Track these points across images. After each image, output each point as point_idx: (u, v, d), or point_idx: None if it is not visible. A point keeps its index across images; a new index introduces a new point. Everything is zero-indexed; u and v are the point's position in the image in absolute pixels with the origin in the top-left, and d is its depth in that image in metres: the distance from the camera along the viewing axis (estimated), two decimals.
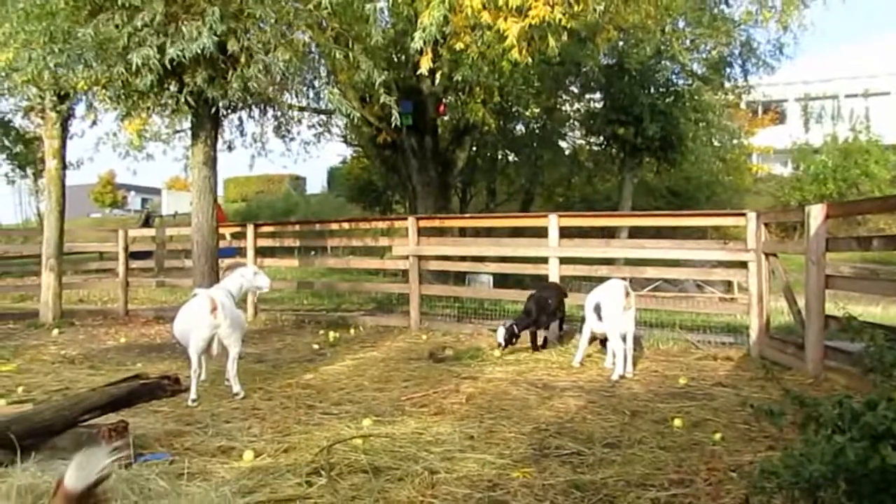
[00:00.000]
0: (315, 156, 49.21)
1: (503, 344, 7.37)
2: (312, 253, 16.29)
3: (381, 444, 4.26)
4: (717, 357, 7.35)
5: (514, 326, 7.44)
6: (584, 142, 23.11)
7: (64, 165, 10.66)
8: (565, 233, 8.90)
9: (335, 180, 39.20)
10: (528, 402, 5.43)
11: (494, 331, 7.69)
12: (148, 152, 12.69)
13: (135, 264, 13.23)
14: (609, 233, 18.50)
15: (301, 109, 14.39)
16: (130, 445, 3.88)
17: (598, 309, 6.58)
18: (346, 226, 11.95)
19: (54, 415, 3.81)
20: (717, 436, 4.41)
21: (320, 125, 17.06)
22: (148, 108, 8.17)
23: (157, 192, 48.79)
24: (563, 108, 21.97)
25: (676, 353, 7.63)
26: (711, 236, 19.81)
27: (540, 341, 7.73)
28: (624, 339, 6.45)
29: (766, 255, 7.52)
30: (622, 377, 6.30)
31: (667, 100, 18.74)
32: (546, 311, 7.69)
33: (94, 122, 9.43)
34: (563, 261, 8.81)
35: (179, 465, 3.88)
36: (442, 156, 17.22)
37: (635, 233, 17.83)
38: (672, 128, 18.67)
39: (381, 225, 15.81)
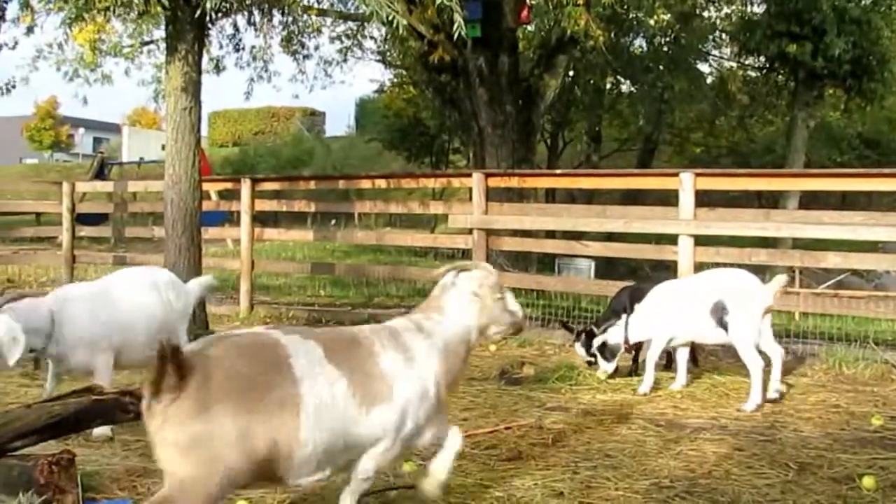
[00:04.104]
0: (339, 81, 49.43)
1: (594, 361, 7.43)
2: (333, 222, 16.49)
3: (401, 496, 4.30)
4: None
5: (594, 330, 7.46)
6: (735, 65, 22.67)
7: None
8: (705, 199, 8.76)
9: (367, 117, 39.42)
10: (644, 446, 5.40)
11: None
12: (104, 72, 13.00)
13: (84, 231, 13.58)
14: (771, 201, 18.16)
15: (321, 13, 14.49)
16: (78, 486, 3.99)
17: (720, 310, 6.63)
18: (381, 184, 11.99)
19: None
20: None
21: (348, 37, 17.19)
22: (106, 10, 8.31)
23: (115, 129, 49.97)
24: (706, 13, 21.58)
25: (868, 380, 7.50)
26: None
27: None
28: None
29: None
30: (764, 403, 6.43)
31: (863, 2, 18.21)
32: None
33: (32, 29, 9.63)
34: (701, 240, 8.70)
35: None
36: (523, 84, 17.11)
37: (809, 201, 17.47)
38: (870, 44, 18.18)
39: (434, 184, 15.91)
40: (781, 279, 6.72)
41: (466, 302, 3.84)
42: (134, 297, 5.70)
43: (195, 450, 3.01)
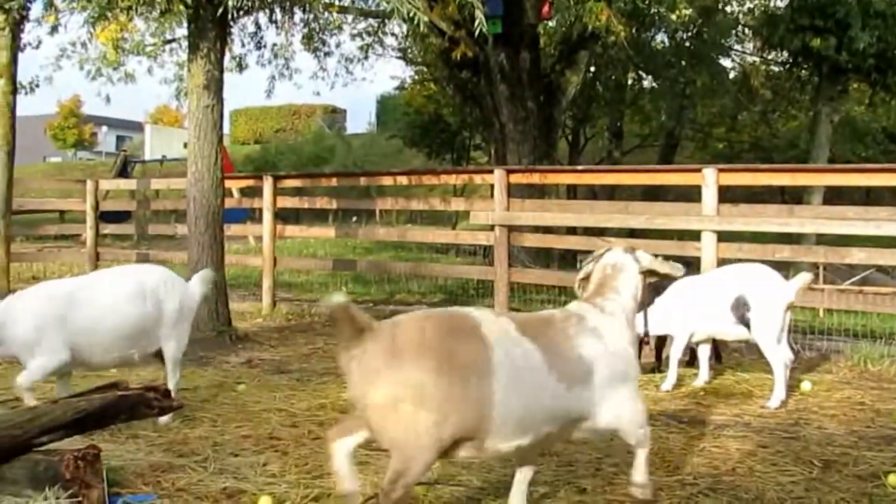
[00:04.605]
0: (360, 78, 49.52)
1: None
2: (354, 219, 16.52)
3: (453, 496, 4.30)
4: None
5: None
6: (758, 59, 22.54)
7: (14, 88, 10.99)
8: (728, 195, 8.70)
9: (388, 114, 39.47)
10: (667, 443, 5.38)
11: None
12: (127, 70, 13.05)
13: (107, 229, 13.67)
14: (794, 196, 18.06)
15: (342, 10, 14.50)
16: (104, 481, 4.02)
17: (741, 305, 6.59)
18: (403, 180, 12.02)
19: (0, 434, 3.97)
20: None
21: (369, 34, 17.18)
22: (129, 9, 8.36)
23: (137, 127, 50.20)
24: (728, 8, 21.46)
25: (894, 377, 7.45)
26: None
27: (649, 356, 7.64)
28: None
29: None
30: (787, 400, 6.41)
31: None
32: None
33: (55, 28, 9.69)
34: (724, 237, 8.67)
35: None
36: (545, 80, 17.09)
37: (833, 197, 17.36)
38: (895, 38, 18.02)
39: (455, 180, 15.89)
40: (805, 276, 6.68)
41: (638, 281, 4.04)
42: (104, 298, 5.48)
43: (396, 406, 3.17)
